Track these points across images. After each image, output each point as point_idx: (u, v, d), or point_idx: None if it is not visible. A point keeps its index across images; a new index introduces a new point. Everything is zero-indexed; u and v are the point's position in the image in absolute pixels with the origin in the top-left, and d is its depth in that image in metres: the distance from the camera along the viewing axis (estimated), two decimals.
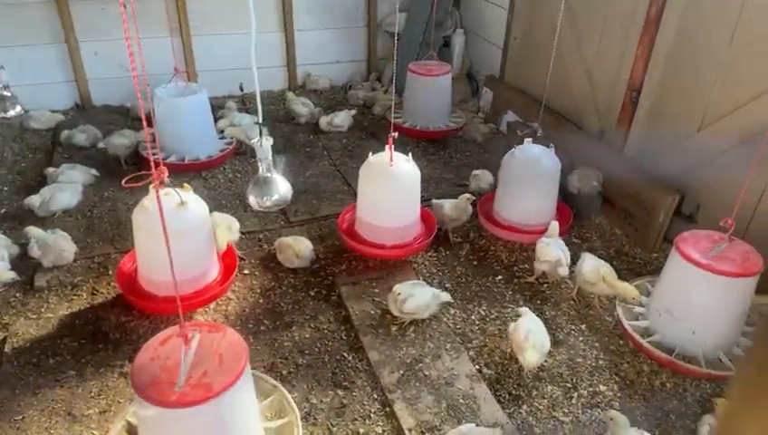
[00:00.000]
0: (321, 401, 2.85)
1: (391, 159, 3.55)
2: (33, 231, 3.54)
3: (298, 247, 3.62)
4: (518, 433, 2.70)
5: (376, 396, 2.89)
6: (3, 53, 5.10)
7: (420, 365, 3.02)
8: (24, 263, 3.55)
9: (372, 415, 2.79)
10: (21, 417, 2.71)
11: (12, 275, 3.40)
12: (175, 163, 4.60)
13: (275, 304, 3.44)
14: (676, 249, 3.06)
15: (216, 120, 5.06)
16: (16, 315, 3.26)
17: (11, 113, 4.80)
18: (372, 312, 3.36)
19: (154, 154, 2.16)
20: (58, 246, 3.52)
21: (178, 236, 2.74)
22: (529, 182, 3.90)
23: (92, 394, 2.83)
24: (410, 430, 2.68)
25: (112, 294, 3.43)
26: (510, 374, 3.02)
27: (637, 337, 3.16)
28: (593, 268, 3.34)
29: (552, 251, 3.46)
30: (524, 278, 3.68)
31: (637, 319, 3.31)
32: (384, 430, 2.73)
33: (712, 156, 3.63)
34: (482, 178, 4.39)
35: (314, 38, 6.23)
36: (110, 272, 3.58)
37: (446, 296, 3.29)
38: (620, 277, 3.35)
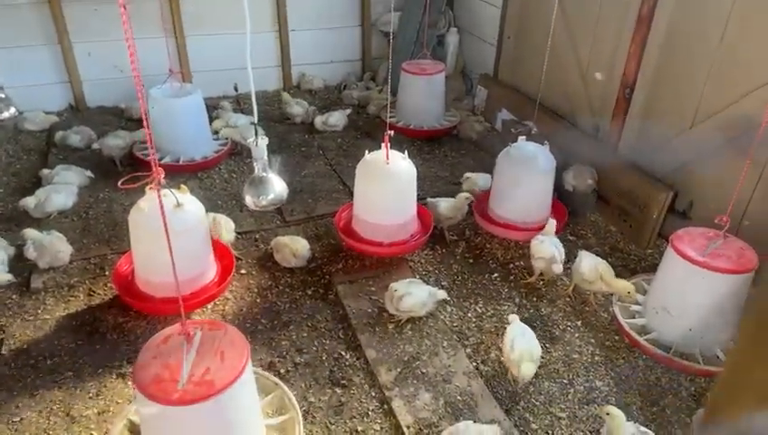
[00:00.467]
0: (320, 400, 2.86)
1: (387, 157, 3.57)
2: (30, 233, 3.54)
3: (295, 247, 3.63)
4: (515, 430, 2.72)
5: (374, 394, 2.90)
6: None
7: (418, 363, 3.04)
8: (20, 265, 3.55)
9: (370, 413, 2.81)
10: (19, 419, 2.71)
11: (8, 277, 3.40)
12: (170, 164, 4.60)
13: (272, 304, 3.45)
14: (672, 247, 3.08)
15: (210, 121, 5.06)
16: (13, 317, 3.26)
17: (5, 115, 4.80)
18: (369, 310, 3.37)
19: (150, 155, 2.16)
20: (54, 247, 3.52)
21: (175, 237, 2.73)
22: (524, 180, 3.92)
23: (91, 395, 2.84)
24: (408, 427, 2.70)
25: (109, 295, 3.43)
26: (507, 371, 3.03)
27: (634, 335, 3.18)
28: (591, 267, 3.35)
29: (547, 248, 3.48)
30: (520, 275, 3.71)
31: (633, 317, 3.34)
32: (382, 428, 2.74)
33: (703, 153, 3.65)
34: (474, 180, 4.38)
35: (309, 38, 6.23)
36: (107, 273, 3.58)
37: (442, 294, 3.31)
38: (616, 274, 3.37)
